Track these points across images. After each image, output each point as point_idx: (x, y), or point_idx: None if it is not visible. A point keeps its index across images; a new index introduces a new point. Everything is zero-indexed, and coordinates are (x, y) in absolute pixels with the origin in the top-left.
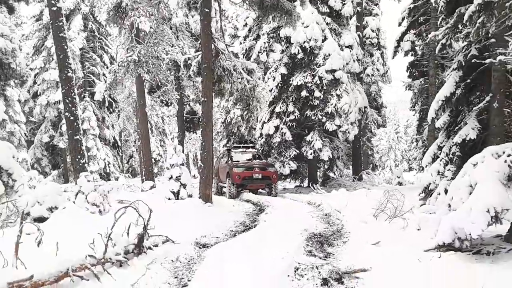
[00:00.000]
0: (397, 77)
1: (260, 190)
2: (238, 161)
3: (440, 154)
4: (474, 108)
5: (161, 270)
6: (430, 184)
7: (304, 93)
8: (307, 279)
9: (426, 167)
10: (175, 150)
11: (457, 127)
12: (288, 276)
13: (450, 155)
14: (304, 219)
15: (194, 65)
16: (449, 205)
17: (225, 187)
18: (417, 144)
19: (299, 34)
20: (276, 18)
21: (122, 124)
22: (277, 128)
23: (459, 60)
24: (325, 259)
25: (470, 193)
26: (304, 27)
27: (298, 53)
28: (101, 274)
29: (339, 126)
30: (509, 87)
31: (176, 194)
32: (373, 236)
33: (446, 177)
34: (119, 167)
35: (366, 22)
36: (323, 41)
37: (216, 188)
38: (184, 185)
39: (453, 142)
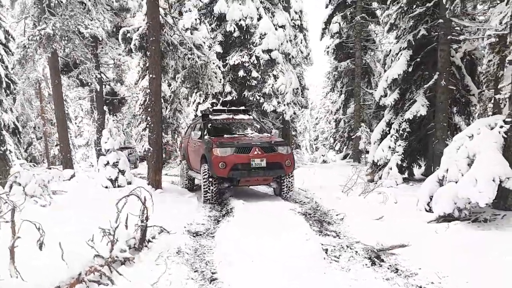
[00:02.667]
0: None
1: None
2: (222, 136)
3: (389, 130)
4: (425, 86)
5: (173, 265)
6: (380, 159)
7: (241, 73)
8: (348, 259)
9: (374, 143)
10: (110, 133)
11: (406, 105)
12: (323, 258)
13: (401, 131)
14: (274, 200)
15: (136, 39)
16: (440, 178)
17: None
18: (336, 125)
19: (235, 12)
20: None
21: (20, 108)
22: None
23: (409, 39)
24: (339, 238)
25: (469, 164)
26: (239, 4)
27: (234, 31)
28: (110, 275)
29: (276, 107)
30: (451, 66)
31: (114, 182)
32: (365, 212)
33: (397, 152)
34: (22, 155)
35: (290, 4)
36: (258, 19)
37: (186, 178)
38: (122, 172)
39: (402, 119)
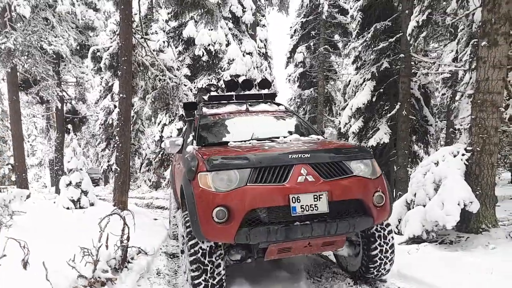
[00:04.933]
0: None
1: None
2: (224, 146)
3: None
4: (387, 115)
5: (155, 286)
6: None
7: None
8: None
9: None
10: (74, 152)
11: (369, 133)
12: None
13: None
14: None
15: (106, 58)
16: (409, 202)
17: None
18: None
19: (204, 37)
20: (196, 16)
21: None
22: (180, 131)
23: (373, 71)
24: None
25: (435, 189)
26: (209, 30)
27: (203, 55)
28: None
29: None
30: (411, 98)
31: (76, 203)
32: None
33: None
34: None
35: (256, 33)
36: (226, 45)
37: (175, 223)
38: (85, 192)
39: (366, 146)
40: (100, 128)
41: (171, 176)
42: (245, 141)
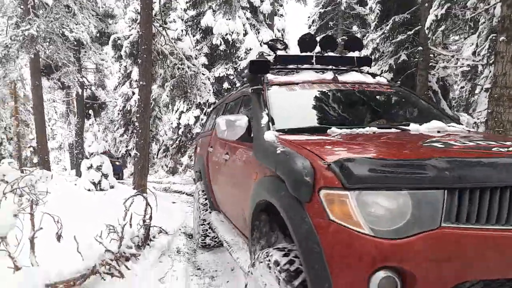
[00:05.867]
0: None
1: None
2: (327, 133)
3: None
4: None
5: (176, 262)
6: None
7: (226, 85)
8: None
9: None
10: (95, 136)
11: None
12: None
13: None
14: None
15: (127, 46)
16: None
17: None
18: None
19: (222, 26)
20: (215, 6)
21: None
22: (197, 118)
23: (390, 63)
24: None
25: None
26: (226, 19)
27: (221, 44)
28: (120, 269)
29: None
30: (428, 90)
31: (97, 185)
32: None
33: None
34: None
35: (274, 22)
36: (244, 35)
37: (202, 230)
38: (105, 175)
39: None
40: (118, 114)
41: (201, 167)
42: (355, 127)
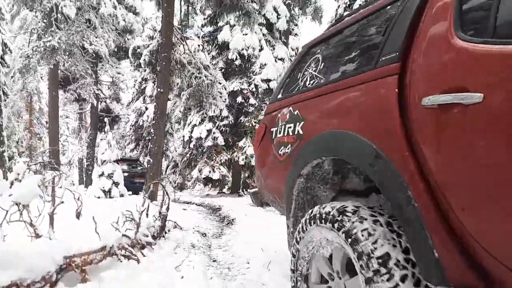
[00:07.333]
0: None
1: None
2: None
3: None
4: None
5: (192, 254)
6: None
7: (239, 99)
8: None
9: None
10: (109, 144)
11: None
12: None
13: None
14: None
15: (146, 54)
16: None
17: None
18: None
19: (238, 41)
20: (234, 18)
21: (6, 120)
22: (209, 132)
23: None
24: None
25: None
26: (243, 34)
27: (236, 59)
28: (136, 254)
29: None
30: None
31: (107, 193)
32: None
33: None
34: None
35: (288, 41)
36: (259, 50)
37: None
38: (116, 184)
39: None
40: (130, 129)
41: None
42: None
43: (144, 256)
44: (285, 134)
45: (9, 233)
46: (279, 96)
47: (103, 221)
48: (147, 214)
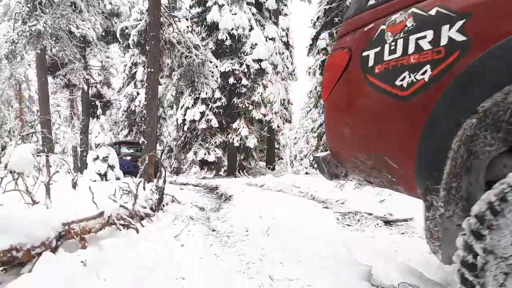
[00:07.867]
0: None
1: None
2: None
3: None
4: None
5: (191, 225)
6: None
7: (231, 80)
8: (367, 225)
9: None
10: (102, 127)
11: None
12: (337, 220)
13: None
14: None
15: (135, 35)
16: None
17: None
18: (318, 141)
19: (228, 21)
20: None
21: None
22: (202, 114)
23: None
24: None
25: None
26: (232, 14)
27: (226, 39)
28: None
29: (264, 115)
30: None
31: (103, 176)
32: (364, 198)
33: None
34: None
35: (278, 21)
36: (249, 30)
37: None
38: (112, 167)
39: None
40: (122, 115)
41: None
42: None
43: (143, 226)
44: (411, 52)
45: (4, 203)
46: (371, 1)
47: (100, 195)
48: (144, 187)
